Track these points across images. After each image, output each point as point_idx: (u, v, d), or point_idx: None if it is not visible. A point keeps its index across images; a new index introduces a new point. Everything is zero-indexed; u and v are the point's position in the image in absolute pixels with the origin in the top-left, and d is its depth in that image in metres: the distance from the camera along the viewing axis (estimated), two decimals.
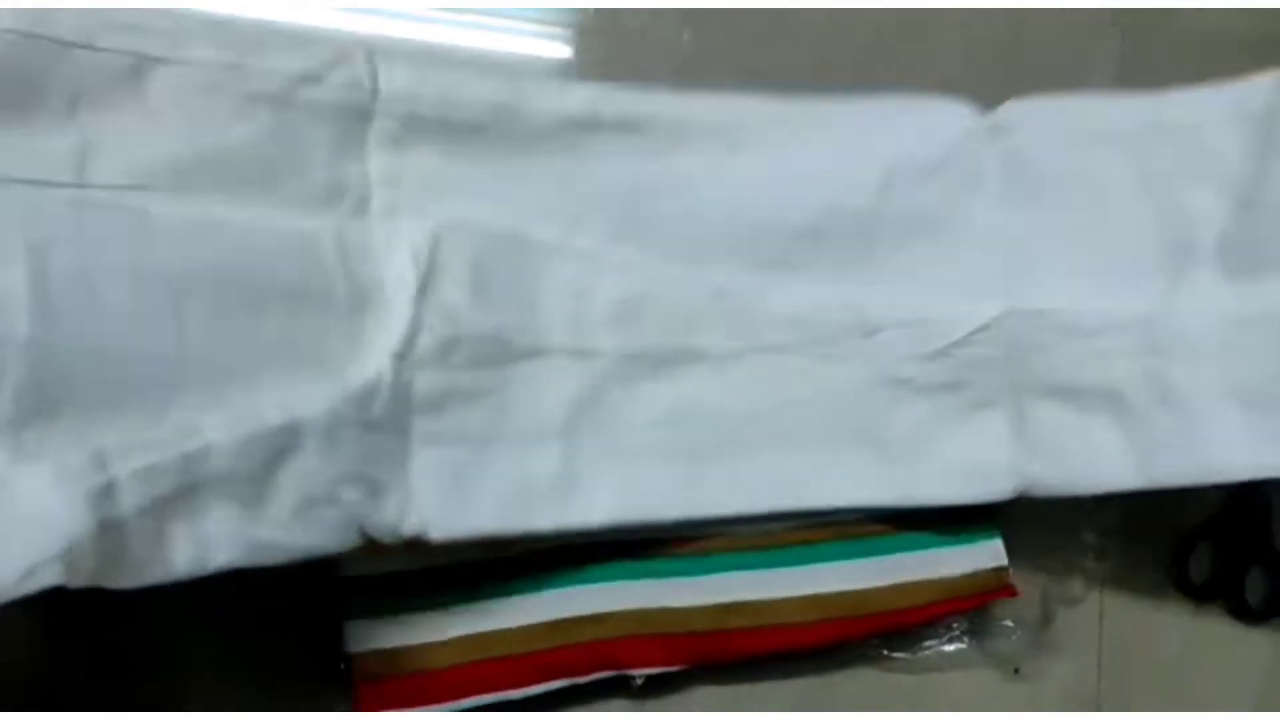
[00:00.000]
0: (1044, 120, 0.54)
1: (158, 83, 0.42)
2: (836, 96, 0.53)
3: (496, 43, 0.55)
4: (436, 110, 0.47)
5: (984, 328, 0.51)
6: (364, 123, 0.46)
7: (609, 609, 0.48)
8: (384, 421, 0.42)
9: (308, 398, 0.40)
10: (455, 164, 0.47)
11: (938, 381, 0.52)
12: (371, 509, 0.41)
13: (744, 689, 0.52)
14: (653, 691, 0.50)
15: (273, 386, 0.40)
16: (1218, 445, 0.50)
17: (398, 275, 0.44)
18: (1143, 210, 0.53)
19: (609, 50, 0.55)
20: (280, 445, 0.39)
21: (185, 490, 0.36)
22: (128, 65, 0.41)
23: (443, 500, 0.43)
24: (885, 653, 0.54)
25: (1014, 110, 0.54)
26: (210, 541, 0.36)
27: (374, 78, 0.45)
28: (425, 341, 0.43)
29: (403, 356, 0.43)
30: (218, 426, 0.38)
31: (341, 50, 0.46)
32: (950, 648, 0.54)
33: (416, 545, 0.43)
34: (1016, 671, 0.56)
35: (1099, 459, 0.51)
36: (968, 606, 0.53)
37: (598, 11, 0.55)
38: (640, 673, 0.48)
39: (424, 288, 0.44)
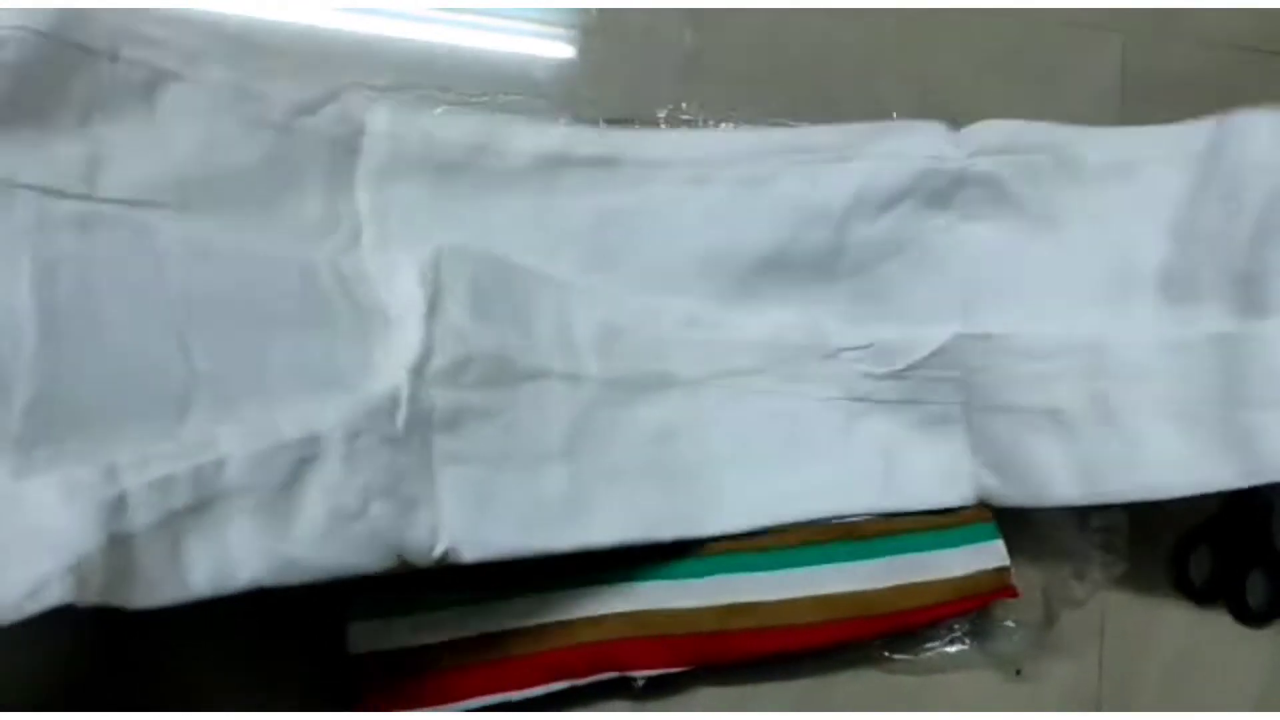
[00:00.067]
0: (1008, 146, 0.55)
1: (168, 98, 0.42)
2: (807, 127, 0.55)
3: (496, 43, 0.55)
4: (419, 149, 0.48)
5: (938, 351, 0.53)
6: (353, 157, 0.47)
7: (611, 611, 0.48)
8: (406, 437, 0.41)
9: (324, 411, 0.39)
10: (439, 200, 0.49)
11: (899, 398, 0.54)
12: (405, 526, 0.40)
13: (745, 690, 0.51)
14: (653, 693, 0.49)
15: (286, 402, 0.39)
16: (1156, 464, 0.51)
17: (405, 297, 0.44)
18: (1092, 240, 0.55)
19: (609, 50, 0.56)
20: (300, 457, 0.38)
21: (201, 504, 0.35)
22: (143, 79, 0.41)
23: (470, 520, 0.42)
24: (887, 654, 0.54)
25: (981, 134, 0.55)
26: (232, 558, 0.35)
27: (361, 115, 0.47)
28: (438, 360, 0.43)
29: (419, 373, 0.42)
30: (233, 439, 0.37)
31: (333, 87, 0.47)
32: (952, 649, 0.54)
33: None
34: (1018, 672, 0.56)
35: (1045, 475, 0.53)
36: (970, 607, 0.53)
37: (599, 11, 0.56)
38: (642, 674, 0.48)
39: (433, 308, 0.44)
